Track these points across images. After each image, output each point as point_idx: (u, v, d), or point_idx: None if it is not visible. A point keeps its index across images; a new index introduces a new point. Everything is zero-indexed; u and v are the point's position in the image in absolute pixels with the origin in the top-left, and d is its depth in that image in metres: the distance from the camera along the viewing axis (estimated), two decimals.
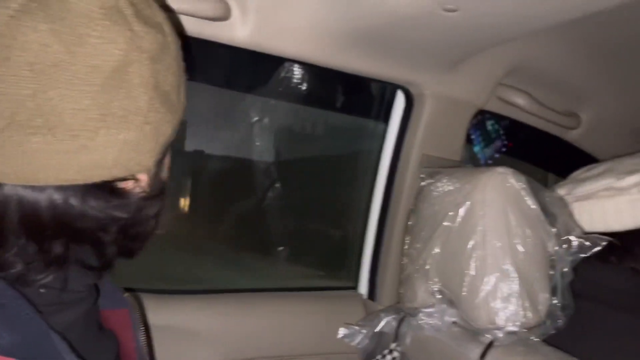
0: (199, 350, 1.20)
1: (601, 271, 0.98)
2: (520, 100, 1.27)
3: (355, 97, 1.44)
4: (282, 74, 1.37)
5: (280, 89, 1.39)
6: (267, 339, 1.28)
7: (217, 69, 1.27)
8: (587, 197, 0.99)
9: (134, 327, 0.77)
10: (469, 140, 1.87)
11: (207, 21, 0.93)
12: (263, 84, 1.41)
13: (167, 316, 1.19)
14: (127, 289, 0.83)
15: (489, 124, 2.00)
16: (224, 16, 0.93)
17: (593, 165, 1.06)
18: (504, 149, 2.03)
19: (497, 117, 1.56)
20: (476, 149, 2.31)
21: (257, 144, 1.65)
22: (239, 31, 0.97)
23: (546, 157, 1.68)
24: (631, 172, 0.94)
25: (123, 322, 0.77)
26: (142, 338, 0.77)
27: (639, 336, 0.87)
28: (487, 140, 2.05)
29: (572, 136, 1.45)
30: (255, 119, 1.60)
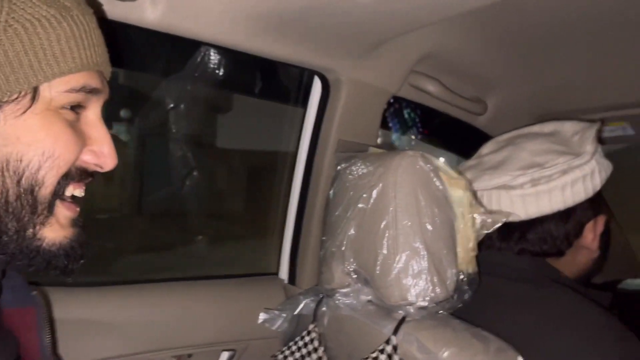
0: (112, 343, 1.16)
1: (503, 255, 1.06)
2: (431, 87, 1.33)
3: (272, 83, 1.44)
4: (198, 58, 1.34)
5: (196, 74, 1.36)
6: (186, 328, 1.26)
7: (130, 51, 1.22)
8: (484, 189, 1.07)
9: (39, 327, 0.74)
10: (388, 128, 1.93)
11: (115, 1, 0.89)
12: (177, 68, 1.38)
13: (78, 310, 1.15)
14: (34, 283, 0.79)
15: (406, 113, 2.07)
16: None
17: (495, 144, 1.13)
18: (419, 136, 2.11)
19: (412, 105, 1.61)
20: (394, 136, 2.38)
21: (174, 131, 1.61)
22: (149, 12, 0.94)
23: (458, 142, 1.76)
24: (524, 170, 1.02)
25: (29, 322, 0.73)
26: (47, 337, 0.74)
27: (539, 303, 0.95)
28: (404, 128, 2.12)
29: (480, 122, 1.53)
30: (171, 105, 1.55)
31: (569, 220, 1.04)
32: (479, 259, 1.00)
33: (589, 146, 1.02)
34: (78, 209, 0.64)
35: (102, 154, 0.63)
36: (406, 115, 2.01)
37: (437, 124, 1.71)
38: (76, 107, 0.60)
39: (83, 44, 0.58)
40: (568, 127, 1.09)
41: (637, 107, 1.33)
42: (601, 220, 1.07)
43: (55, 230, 0.60)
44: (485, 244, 1.07)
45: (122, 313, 1.20)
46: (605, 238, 1.11)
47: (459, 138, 1.67)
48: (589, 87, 1.33)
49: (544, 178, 1.01)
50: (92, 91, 0.61)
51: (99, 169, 0.64)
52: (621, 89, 1.29)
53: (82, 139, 0.61)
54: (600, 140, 1.08)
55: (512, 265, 1.03)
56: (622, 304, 1.75)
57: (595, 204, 1.06)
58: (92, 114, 0.63)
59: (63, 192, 0.60)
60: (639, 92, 1.29)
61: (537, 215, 1.02)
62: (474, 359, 0.83)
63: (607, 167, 1.07)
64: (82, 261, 0.63)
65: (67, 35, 0.57)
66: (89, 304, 1.17)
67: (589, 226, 1.06)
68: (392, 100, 1.36)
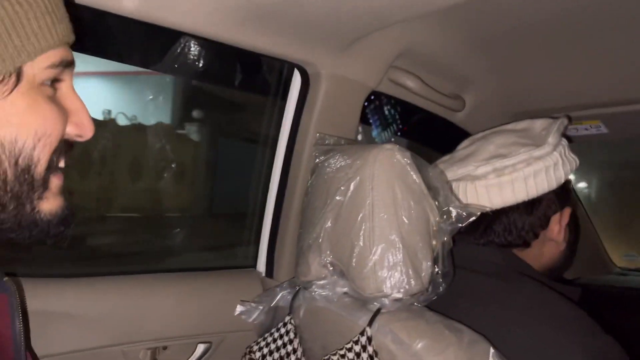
0: (86, 335, 1.15)
1: (473, 249, 1.09)
2: (410, 82, 1.34)
3: (252, 75, 1.44)
4: (177, 49, 1.33)
5: (176, 65, 1.35)
6: (161, 321, 1.26)
7: (109, 40, 1.21)
8: (452, 179, 1.09)
9: (11, 314, 0.73)
10: (368, 124, 1.94)
11: None
12: (157, 58, 1.36)
13: (52, 301, 1.14)
14: (8, 274, 0.78)
15: (386, 109, 2.08)
16: None
17: (469, 141, 1.15)
18: (399, 133, 2.13)
19: (392, 101, 1.62)
20: (374, 133, 2.40)
21: (152, 122, 1.59)
22: (127, 0, 0.93)
23: (436, 139, 1.78)
24: (487, 160, 1.04)
25: (0, 308, 0.73)
26: (19, 325, 0.73)
27: (509, 296, 0.97)
28: (384, 124, 2.13)
29: (458, 118, 1.54)
30: (150, 96, 1.54)
31: (533, 212, 1.06)
32: (452, 252, 1.01)
33: (551, 138, 1.04)
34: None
35: (82, 124, 0.65)
36: (386, 112, 2.02)
37: (417, 121, 1.73)
38: (54, 82, 0.61)
39: (57, 18, 0.59)
40: (539, 124, 1.12)
41: (611, 106, 1.36)
42: (567, 213, 1.09)
43: (50, 202, 0.63)
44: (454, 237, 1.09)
45: (97, 305, 1.19)
46: (573, 231, 1.14)
47: (437, 135, 1.69)
48: (564, 86, 1.35)
49: (507, 168, 1.03)
50: (69, 64, 0.62)
51: (79, 139, 0.66)
52: (595, 88, 1.32)
53: (64, 113, 0.62)
54: (568, 137, 1.11)
55: (482, 259, 1.05)
56: (589, 301, 1.80)
57: (561, 197, 1.08)
58: (67, 86, 0.64)
59: (56, 166, 0.62)
60: (612, 91, 1.32)
61: (501, 206, 1.04)
62: (446, 350, 0.84)
63: (572, 161, 1.09)
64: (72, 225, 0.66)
65: (43, 11, 0.57)
66: (64, 295, 1.16)
67: (554, 218, 1.08)
68: (372, 97, 1.37)
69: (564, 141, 1.10)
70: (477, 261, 1.05)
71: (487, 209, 1.05)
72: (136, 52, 1.30)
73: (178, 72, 1.44)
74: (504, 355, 0.86)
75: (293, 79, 1.31)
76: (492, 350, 0.85)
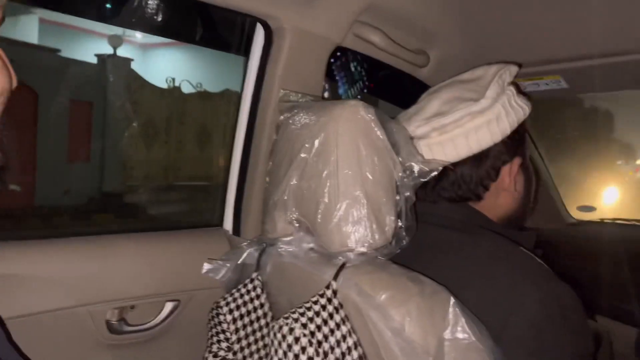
0: (52, 296, 1.14)
1: (432, 206, 1.11)
2: (374, 37, 1.32)
3: (214, 31, 1.40)
4: (135, 2, 1.28)
5: (133, 19, 1.30)
6: (128, 281, 1.26)
7: None
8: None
9: None
10: (334, 80, 1.92)
11: None
12: (115, 12, 1.31)
13: (16, 263, 1.12)
14: None
15: (353, 66, 2.07)
16: None
17: (422, 96, 1.16)
18: (365, 90, 2.12)
19: (358, 57, 1.61)
20: (341, 90, 2.38)
21: (111, 80, 1.54)
22: None
23: (402, 95, 1.78)
24: (427, 120, 1.06)
25: None
26: None
27: (470, 248, 1.00)
28: (351, 81, 2.12)
29: (423, 74, 1.55)
30: (107, 55, 1.48)
31: (481, 165, 1.07)
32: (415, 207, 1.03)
33: (489, 91, 1.04)
34: None
35: None
36: (352, 69, 2.01)
37: (383, 78, 1.72)
38: None
39: None
40: (493, 71, 1.11)
41: (571, 61, 1.38)
42: (517, 163, 1.10)
43: None
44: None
45: (62, 266, 1.18)
46: (528, 180, 1.16)
47: (404, 92, 1.69)
48: (526, 41, 1.36)
49: (447, 126, 1.04)
50: None
51: None
52: (555, 43, 1.33)
53: None
54: (528, 93, 1.12)
55: (440, 214, 1.07)
56: (545, 251, 1.87)
57: (511, 147, 1.08)
58: None
59: None
60: (572, 46, 1.33)
61: (445, 164, 1.04)
62: (409, 300, 0.87)
63: (519, 110, 1.09)
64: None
65: None
66: (28, 257, 1.14)
67: (505, 169, 1.09)
68: (338, 53, 1.35)
69: (511, 90, 1.09)
70: (437, 216, 1.07)
71: (449, 164, 1.07)
72: (93, 6, 1.25)
73: (136, 26, 1.39)
74: (464, 305, 0.89)
75: (256, 34, 1.28)
76: (452, 300, 0.89)
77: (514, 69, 1.13)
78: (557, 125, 2.11)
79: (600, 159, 2.11)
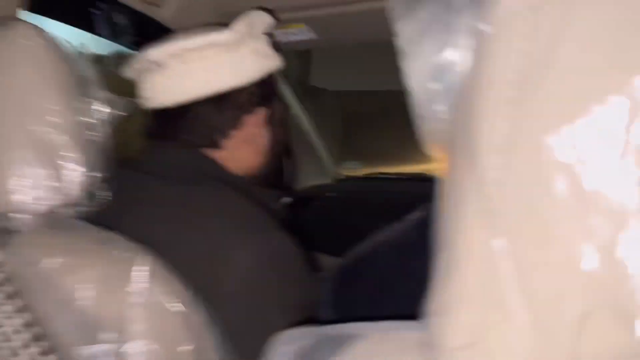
0: None
1: (160, 151, 0.98)
2: None
3: None
4: None
5: None
6: None
7: None
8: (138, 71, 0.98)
9: None
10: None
11: None
12: None
13: None
14: None
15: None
16: None
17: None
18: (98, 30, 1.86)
19: None
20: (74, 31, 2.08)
21: None
22: None
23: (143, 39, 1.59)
24: (165, 45, 0.94)
25: None
26: None
27: (185, 200, 0.89)
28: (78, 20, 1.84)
29: (162, 15, 1.38)
30: None
31: (222, 109, 0.97)
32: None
33: (237, 26, 0.96)
34: None
35: None
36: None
37: (115, 17, 1.51)
38: None
39: None
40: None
41: (316, 9, 1.34)
42: (263, 114, 1.04)
43: None
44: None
45: None
46: (276, 135, 1.09)
47: (144, 35, 1.50)
48: None
49: (187, 54, 0.93)
50: None
51: None
52: None
53: None
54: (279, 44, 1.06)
55: (169, 161, 0.95)
56: (314, 207, 1.87)
57: (258, 96, 1.01)
58: None
59: None
60: None
61: (184, 101, 0.94)
62: (88, 266, 0.73)
63: (269, 59, 1.03)
64: None
65: None
66: None
67: (250, 119, 1.01)
68: None
69: (264, 38, 1.03)
70: (161, 165, 0.95)
71: (170, 104, 0.94)
72: None
73: None
74: (178, 262, 0.78)
75: None
76: (149, 260, 0.76)
77: (265, 15, 1.05)
78: (334, 84, 2.11)
79: (367, 114, 2.18)
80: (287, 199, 1.79)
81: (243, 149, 1.03)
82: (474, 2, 0.42)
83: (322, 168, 2.01)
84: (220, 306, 0.79)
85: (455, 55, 0.42)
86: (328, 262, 1.73)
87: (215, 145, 0.99)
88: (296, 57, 1.92)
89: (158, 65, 0.93)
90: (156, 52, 0.93)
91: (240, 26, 0.96)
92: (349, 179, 2.12)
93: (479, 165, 0.29)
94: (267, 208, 0.95)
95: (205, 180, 0.95)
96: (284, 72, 1.45)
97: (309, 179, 1.95)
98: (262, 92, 1.02)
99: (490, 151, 0.28)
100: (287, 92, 1.76)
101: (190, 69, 0.93)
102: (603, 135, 0.26)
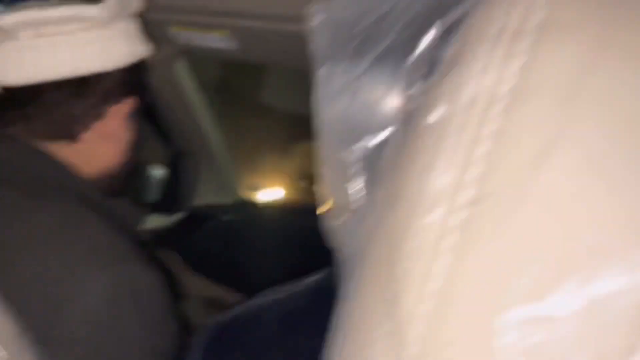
0: None
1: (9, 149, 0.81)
2: None
3: None
4: None
5: None
6: None
7: None
8: None
9: None
10: None
11: None
12: None
13: None
14: None
15: None
16: None
17: None
18: None
19: None
20: None
21: None
22: None
23: None
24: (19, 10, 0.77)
25: None
26: None
27: (27, 215, 0.73)
28: None
29: None
30: None
31: (85, 95, 0.83)
32: None
33: (106, 2, 0.81)
34: None
35: None
36: None
37: None
38: None
39: None
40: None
41: (240, 18, 1.22)
42: (128, 104, 0.91)
43: None
44: None
45: None
46: (133, 132, 0.96)
47: None
48: None
49: (46, 26, 0.77)
50: None
51: None
52: None
53: None
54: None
55: (9, 160, 0.78)
56: (194, 225, 1.73)
57: (126, 84, 0.89)
58: None
59: None
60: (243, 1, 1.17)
61: (37, 81, 0.78)
62: None
63: (143, 45, 0.91)
64: None
65: None
66: None
67: (114, 109, 0.88)
68: None
69: (137, 20, 0.91)
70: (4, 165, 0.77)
71: (17, 84, 0.78)
72: None
73: None
74: (5, 296, 0.62)
75: None
76: None
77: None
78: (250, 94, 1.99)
79: (278, 138, 2.07)
80: (179, 214, 1.63)
81: (102, 145, 0.89)
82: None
83: (224, 186, 1.87)
84: (56, 353, 0.64)
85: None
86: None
87: (70, 137, 0.84)
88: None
89: (7, 34, 0.76)
90: (6, 18, 0.76)
91: (112, 1, 0.82)
92: (250, 203, 1.98)
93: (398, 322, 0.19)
94: (126, 228, 0.81)
95: (47, 190, 0.79)
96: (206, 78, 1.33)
97: (208, 195, 1.80)
98: (130, 80, 0.90)
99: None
100: (202, 99, 1.61)
101: (48, 43, 0.78)
102: None
